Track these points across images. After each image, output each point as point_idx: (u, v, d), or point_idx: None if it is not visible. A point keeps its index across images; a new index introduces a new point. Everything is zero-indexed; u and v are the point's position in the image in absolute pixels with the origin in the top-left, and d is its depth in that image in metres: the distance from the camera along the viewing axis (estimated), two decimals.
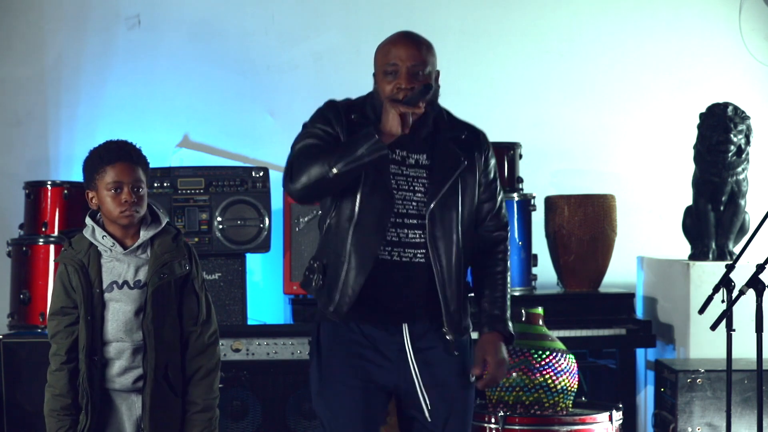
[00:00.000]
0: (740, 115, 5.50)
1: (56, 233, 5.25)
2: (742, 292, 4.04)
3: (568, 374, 4.48)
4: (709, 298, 4.10)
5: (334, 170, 3.17)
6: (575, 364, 4.54)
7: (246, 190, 5.39)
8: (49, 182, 5.35)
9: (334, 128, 3.30)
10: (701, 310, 4.11)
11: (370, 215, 3.27)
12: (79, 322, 3.42)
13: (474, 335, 3.42)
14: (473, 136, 3.43)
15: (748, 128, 5.52)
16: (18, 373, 5.03)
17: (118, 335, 3.43)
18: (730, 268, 4.07)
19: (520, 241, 5.58)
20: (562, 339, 4.66)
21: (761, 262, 4.11)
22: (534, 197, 5.70)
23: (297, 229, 5.48)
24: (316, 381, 3.36)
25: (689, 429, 5.01)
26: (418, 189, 3.33)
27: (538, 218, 5.77)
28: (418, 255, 3.31)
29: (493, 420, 4.41)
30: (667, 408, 5.16)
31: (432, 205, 3.30)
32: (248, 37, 6.12)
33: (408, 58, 3.28)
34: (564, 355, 4.51)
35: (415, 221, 3.31)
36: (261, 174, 5.41)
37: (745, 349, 4.52)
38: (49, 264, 5.22)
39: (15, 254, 5.29)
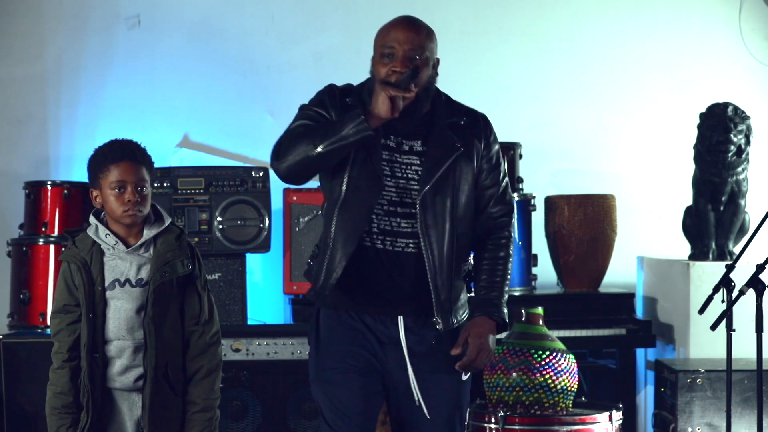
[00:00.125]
0: (740, 115, 5.50)
1: (56, 233, 5.26)
2: (742, 292, 4.04)
3: (568, 374, 4.47)
4: (709, 298, 4.10)
5: (318, 149, 3.15)
6: (575, 364, 4.54)
7: (246, 190, 5.40)
8: (49, 182, 5.35)
9: (328, 111, 3.29)
10: (701, 310, 4.10)
11: (356, 197, 3.25)
12: (81, 320, 3.43)
13: None
14: (473, 121, 3.39)
15: (748, 128, 5.52)
16: (18, 373, 5.03)
17: (119, 333, 3.43)
18: (730, 268, 4.07)
19: (520, 241, 5.58)
20: (562, 339, 4.66)
21: (761, 262, 4.10)
22: (534, 197, 5.70)
23: (297, 229, 5.48)
24: (314, 367, 3.35)
25: (689, 429, 5.01)
26: (411, 176, 3.29)
27: (538, 218, 5.77)
28: (410, 245, 3.28)
29: (493, 420, 4.40)
30: (667, 408, 5.16)
31: (423, 192, 3.26)
32: (248, 37, 6.12)
33: (405, 42, 3.25)
34: (564, 355, 4.50)
35: (407, 210, 3.28)
36: (261, 174, 5.41)
37: (745, 349, 4.51)
38: (49, 264, 5.22)
39: (15, 254, 5.29)
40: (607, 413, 4.45)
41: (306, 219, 5.45)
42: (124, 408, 3.48)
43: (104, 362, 3.44)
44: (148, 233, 3.46)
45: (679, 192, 5.97)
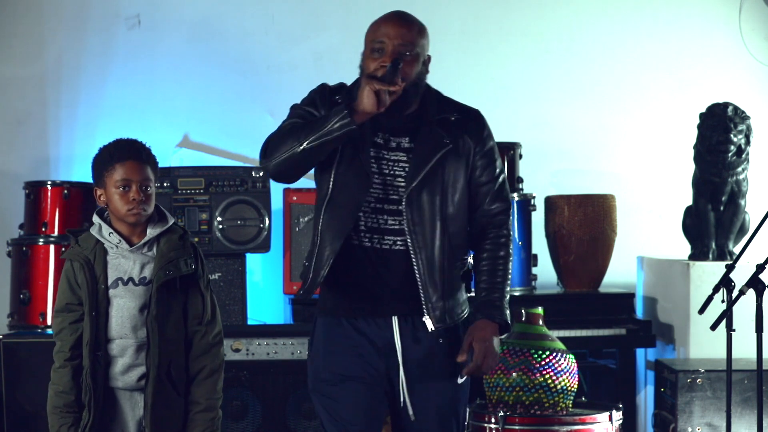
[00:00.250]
0: (740, 115, 5.50)
1: (56, 233, 5.26)
2: (742, 292, 4.04)
3: (568, 374, 4.47)
4: (709, 298, 4.10)
5: (303, 146, 3.13)
6: (575, 364, 4.54)
7: (246, 190, 5.40)
8: (49, 182, 5.35)
9: (318, 110, 3.25)
10: (701, 310, 4.10)
11: (343, 194, 3.22)
12: (84, 318, 3.43)
13: None
14: (464, 117, 3.33)
15: (748, 128, 5.52)
16: (18, 373, 5.03)
17: (122, 332, 3.44)
18: (730, 268, 4.07)
19: (520, 241, 5.58)
20: (562, 339, 4.65)
21: (761, 262, 4.10)
22: (534, 197, 5.70)
23: (297, 229, 5.48)
24: (311, 378, 3.32)
25: (689, 429, 5.01)
26: (398, 173, 3.25)
27: (538, 218, 5.77)
28: (398, 242, 3.24)
29: (493, 420, 4.40)
30: (667, 408, 5.16)
31: (410, 189, 3.22)
32: (248, 37, 6.12)
33: (396, 37, 3.21)
34: (564, 355, 4.50)
35: (394, 207, 3.24)
36: (261, 174, 5.41)
37: (745, 349, 4.51)
38: (49, 264, 5.22)
39: (15, 254, 5.29)
40: (607, 413, 4.44)
41: (306, 219, 5.45)
42: (126, 407, 3.48)
43: (106, 361, 3.44)
44: (151, 232, 3.46)
45: (679, 192, 5.97)
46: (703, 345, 5.29)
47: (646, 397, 5.82)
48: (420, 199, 3.23)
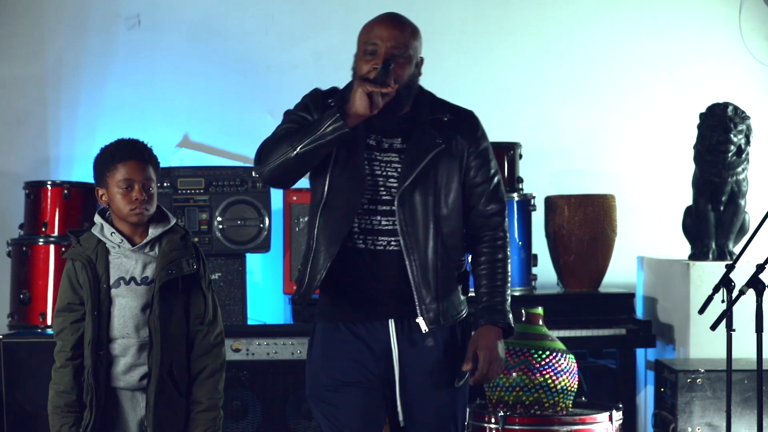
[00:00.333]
0: (740, 115, 5.50)
1: (56, 233, 5.26)
2: (742, 292, 4.04)
3: (568, 374, 4.48)
4: (709, 298, 4.10)
5: (296, 150, 3.12)
6: (575, 364, 4.54)
7: (246, 190, 5.40)
8: (49, 182, 5.35)
9: (311, 114, 3.25)
10: (701, 310, 4.10)
11: (339, 198, 3.21)
12: (85, 318, 3.43)
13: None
14: (457, 117, 3.31)
15: (748, 128, 5.52)
16: (18, 373, 5.03)
17: (124, 331, 3.44)
18: (730, 268, 4.07)
19: (520, 241, 5.58)
20: (562, 339, 4.66)
21: (761, 262, 4.11)
22: (534, 197, 5.70)
23: (297, 229, 5.48)
24: (309, 384, 3.30)
25: (689, 429, 5.01)
26: (391, 174, 3.23)
27: (538, 218, 5.77)
28: (392, 243, 3.22)
29: (493, 420, 4.41)
30: (667, 408, 5.16)
31: (402, 189, 3.20)
32: (248, 37, 6.13)
33: (389, 39, 3.20)
34: (564, 355, 4.51)
35: (387, 207, 3.22)
36: None
37: (745, 349, 4.51)
38: (49, 264, 5.23)
39: (15, 254, 5.29)
40: (607, 413, 4.45)
41: (306, 219, 5.45)
42: (127, 407, 3.48)
43: (108, 361, 3.44)
44: (153, 232, 3.47)
45: (679, 192, 5.97)
46: (703, 345, 5.29)
47: (646, 397, 5.82)
48: (412, 199, 3.21)
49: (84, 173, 5.60)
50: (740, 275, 4.09)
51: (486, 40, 6.27)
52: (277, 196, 5.51)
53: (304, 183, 3.78)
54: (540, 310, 4.62)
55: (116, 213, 3.46)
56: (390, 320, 3.24)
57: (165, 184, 5.30)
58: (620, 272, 5.99)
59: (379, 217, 3.23)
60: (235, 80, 6.09)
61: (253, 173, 3.29)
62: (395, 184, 3.22)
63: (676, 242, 5.92)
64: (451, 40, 6.16)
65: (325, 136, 3.10)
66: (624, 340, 5.46)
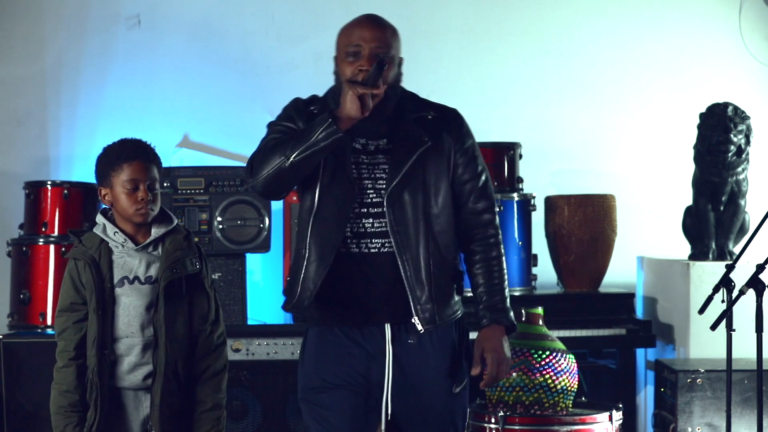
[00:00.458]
0: (740, 115, 5.50)
1: (56, 233, 5.26)
2: (742, 292, 4.04)
3: (568, 374, 4.48)
4: (709, 298, 4.10)
5: (290, 159, 3.08)
6: (575, 364, 4.54)
7: (246, 190, 5.40)
8: (49, 182, 5.35)
9: (296, 123, 3.22)
10: (701, 310, 4.10)
11: (330, 206, 3.18)
12: (88, 318, 3.43)
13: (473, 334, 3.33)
14: (441, 115, 3.29)
15: (748, 128, 5.52)
16: (18, 373, 5.04)
17: (128, 331, 3.44)
18: (730, 268, 4.07)
19: (520, 241, 5.58)
20: (562, 339, 4.66)
21: (761, 262, 4.11)
22: (534, 197, 5.70)
23: (297, 229, 5.48)
24: (301, 388, 3.28)
25: (689, 429, 5.01)
26: (379, 176, 3.21)
27: (538, 218, 5.77)
28: (386, 245, 3.19)
29: (493, 420, 4.41)
30: (667, 408, 5.16)
31: (390, 190, 3.17)
32: (248, 37, 6.13)
33: (372, 39, 3.19)
34: (564, 355, 4.51)
35: (377, 210, 3.20)
36: None
37: (745, 349, 4.51)
38: (49, 264, 5.23)
39: (15, 254, 5.29)
40: (607, 413, 4.45)
41: None
42: (130, 407, 3.48)
43: (112, 361, 3.44)
44: (156, 231, 3.48)
45: (679, 192, 5.97)
46: (703, 345, 5.29)
47: (646, 397, 5.82)
48: (402, 199, 3.19)
49: (84, 173, 5.61)
50: (740, 275, 4.09)
51: (486, 40, 6.27)
52: None
53: None
54: (540, 310, 4.62)
55: (120, 213, 3.46)
56: (386, 325, 3.21)
57: (165, 184, 5.30)
58: (620, 272, 5.98)
59: (371, 220, 3.20)
60: (235, 80, 6.09)
61: (248, 186, 3.24)
62: (384, 186, 3.20)
63: (676, 242, 5.92)
64: (451, 40, 6.16)
65: (318, 143, 3.08)
66: (624, 340, 5.46)
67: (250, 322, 5.46)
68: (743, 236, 5.60)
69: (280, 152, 3.11)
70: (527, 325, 4.55)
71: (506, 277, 3.31)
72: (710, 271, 5.34)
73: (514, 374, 4.44)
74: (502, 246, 3.32)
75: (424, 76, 5.90)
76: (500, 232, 3.33)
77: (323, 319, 3.25)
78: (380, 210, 3.20)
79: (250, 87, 6.07)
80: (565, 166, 6.30)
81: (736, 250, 5.57)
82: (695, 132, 5.61)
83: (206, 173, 5.42)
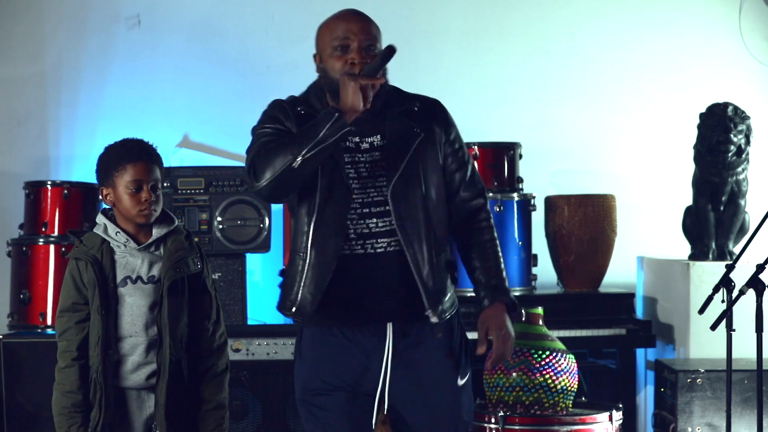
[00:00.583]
0: (740, 115, 5.50)
1: (56, 233, 5.26)
2: (742, 292, 4.04)
3: (568, 374, 4.48)
4: (709, 298, 4.10)
5: (299, 158, 3.02)
6: (575, 364, 4.55)
7: (246, 190, 5.40)
8: (49, 182, 5.35)
9: (284, 124, 3.18)
10: (701, 310, 4.10)
11: (330, 210, 3.14)
12: (90, 318, 3.43)
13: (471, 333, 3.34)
14: (427, 106, 3.28)
15: (748, 128, 5.52)
16: (18, 373, 5.03)
17: (132, 330, 3.44)
18: (730, 268, 4.07)
19: (520, 241, 5.58)
20: (562, 339, 4.66)
21: (761, 262, 4.11)
22: (534, 197, 5.70)
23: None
24: (299, 389, 3.26)
25: (689, 429, 5.01)
26: (378, 173, 3.19)
27: (538, 218, 5.77)
28: (392, 244, 3.17)
29: (493, 420, 4.41)
30: (667, 408, 5.16)
31: (393, 184, 3.16)
32: (248, 37, 6.13)
33: (360, 32, 3.17)
34: (564, 355, 4.51)
35: (381, 208, 3.17)
36: None
37: (745, 349, 4.52)
38: (49, 264, 5.23)
39: (15, 254, 5.29)
40: (607, 413, 4.45)
41: None
42: (133, 407, 3.49)
43: (116, 359, 3.44)
44: (157, 232, 3.48)
45: (679, 192, 5.97)
46: (703, 345, 5.29)
47: (646, 397, 5.82)
48: (404, 193, 3.17)
49: (84, 173, 5.61)
50: (740, 275, 4.09)
51: (486, 40, 6.27)
52: None
53: None
54: (540, 310, 4.63)
55: (123, 213, 3.46)
56: (388, 324, 3.20)
57: (165, 184, 5.30)
58: (620, 272, 5.98)
59: (375, 220, 3.18)
60: (235, 80, 6.09)
61: (252, 191, 3.18)
62: (384, 183, 3.18)
63: (676, 242, 5.92)
64: (451, 40, 6.16)
65: (327, 138, 3.03)
66: (624, 340, 5.46)
67: (250, 322, 5.46)
68: (743, 236, 5.60)
69: (285, 152, 3.05)
70: (527, 325, 4.56)
71: (502, 259, 3.31)
72: (710, 271, 5.34)
73: (514, 374, 4.45)
74: (495, 230, 3.33)
75: (424, 76, 5.90)
76: (492, 216, 3.34)
77: (322, 319, 3.23)
78: (383, 209, 3.18)
79: (250, 87, 6.07)
80: (565, 166, 6.30)
81: (736, 250, 5.57)
82: (695, 132, 5.61)
83: (206, 173, 5.42)
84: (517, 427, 4.39)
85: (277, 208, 5.55)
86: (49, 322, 5.15)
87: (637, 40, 6.34)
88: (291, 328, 5.21)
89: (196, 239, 3.65)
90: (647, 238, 6.23)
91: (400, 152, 3.18)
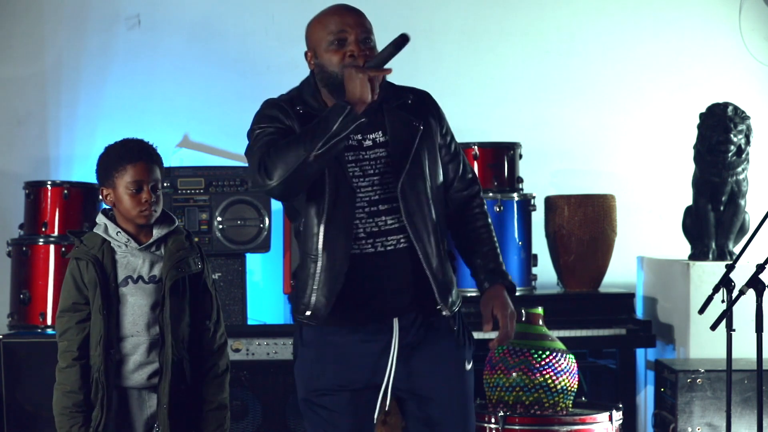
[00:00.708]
0: (740, 115, 5.50)
1: (56, 233, 5.26)
2: (742, 292, 4.04)
3: (568, 374, 4.48)
4: (709, 298, 4.10)
5: (314, 152, 2.98)
6: (575, 364, 4.54)
7: (246, 190, 5.40)
8: (49, 182, 5.35)
9: (285, 123, 3.16)
10: (701, 310, 4.10)
11: (339, 210, 3.12)
12: (92, 317, 3.43)
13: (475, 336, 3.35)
14: (420, 99, 3.27)
15: (748, 128, 5.52)
16: (18, 373, 5.04)
17: (134, 330, 3.44)
18: (730, 268, 4.07)
19: (520, 241, 5.58)
20: (562, 339, 4.66)
21: (761, 262, 4.11)
22: (534, 197, 5.70)
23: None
24: (304, 388, 3.23)
25: (689, 429, 5.01)
26: (384, 170, 3.17)
27: (538, 218, 5.77)
28: (401, 240, 3.16)
29: (493, 420, 4.41)
30: (667, 408, 5.16)
31: (401, 181, 3.15)
32: (248, 37, 6.13)
33: (357, 25, 3.15)
34: (564, 355, 4.51)
35: (388, 205, 3.16)
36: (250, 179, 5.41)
37: (745, 349, 4.52)
38: (49, 264, 5.23)
39: (15, 254, 5.29)
40: (607, 413, 4.45)
41: None
42: (134, 407, 3.48)
43: (117, 359, 3.44)
44: (158, 232, 3.48)
45: (679, 192, 5.97)
46: (703, 345, 5.29)
47: (646, 397, 5.82)
48: (412, 188, 3.16)
49: (84, 173, 5.61)
50: (740, 275, 4.09)
51: (486, 40, 6.27)
52: None
53: None
54: (540, 310, 4.62)
55: (124, 214, 3.47)
56: (395, 319, 3.18)
57: (165, 184, 5.30)
58: (620, 272, 5.98)
59: (384, 217, 3.17)
60: (235, 80, 6.09)
61: (262, 190, 3.11)
62: (391, 179, 3.17)
63: (676, 242, 5.92)
64: (451, 40, 6.16)
65: (341, 132, 2.99)
66: (624, 340, 5.46)
67: (250, 322, 5.46)
68: (743, 236, 5.60)
69: (297, 149, 3.01)
70: (527, 325, 4.55)
71: (497, 243, 3.33)
72: (710, 271, 5.34)
73: (514, 374, 4.44)
74: (489, 216, 3.35)
75: (424, 76, 5.88)
76: (485, 203, 3.37)
77: (327, 317, 3.19)
78: (391, 205, 3.17)
79: (250, 87, 6.07)
80: (565, 166, 6.31)
81: (736, 250, 5.57)
82: (695, 132, 5.61)
83: (206, 173, 5.42)
84: (517, 427, 4.39)
85: (277, 208, 5.55)
86: (49, 322, 5.15)
87: (637, 40, 6.34)
88: (291, 328, 5.18)
89: (196, 239, 3.66)
90: (647, 238, 6.23)
91: (405, 148, 3.17)
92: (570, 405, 4.53)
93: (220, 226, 5.37)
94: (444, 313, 3.20)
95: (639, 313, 5.81)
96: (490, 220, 3.35)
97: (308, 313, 3.17)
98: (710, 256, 5.57)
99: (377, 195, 3.17)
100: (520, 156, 5.75)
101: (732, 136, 5.46)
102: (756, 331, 4.02)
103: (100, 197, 3.52)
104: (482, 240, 3.31)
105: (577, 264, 5.68)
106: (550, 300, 5.55)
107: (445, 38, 6.15)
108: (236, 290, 5.39)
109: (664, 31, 6.35)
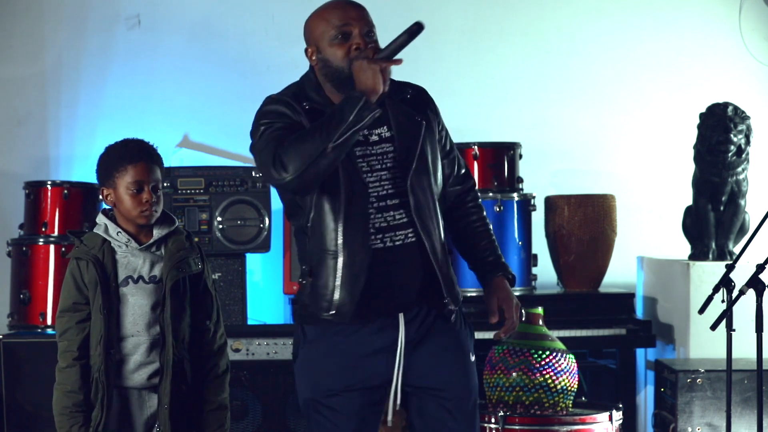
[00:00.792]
0: (740, 115, 5.50)
1: (56, 233, 5.26)
2: (742, 292, 4.04)
3: (568, 374, 4.48)
4: (709, 298, 4.10)
5: (332, 144, 2.96)
6: (575, 364, 4.54)
7: (246, 190, 5.40)
8: (49, 182, 5.35)
9: (292, 118, 3.14)
10: (701, 310, 4.10)
11: (354, 206, 3.11)
12: (92, 317, 3.42)
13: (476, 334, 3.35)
14: (418, 93, 3.28)
15: (748, 128, 5.52)
16: (18, 373, 5.04)
17: (134, 330, 3.44)
18: (730, 268, 4.07)
19: (520, 241, 5.58)
20: (562, 339, 4.66)
21: (761, 262, 4.11)
22: (534, 197, 5.70)
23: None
24: (309, 389, 3.21)
25: (689, 429, 5.01)
26: (392, 165, 3.16)
27: (538, 218, 5.77)
28: (409, 236, 3.15)
29: (493, 420, 4.41)
30: (667, 408, 5.16)
31: (411, 176, 3.14)
32: (248, 37, 6.13)
33: (360, 19, 3.14)
34: (564, 355, 4.51)
35: (397, 200, 3.15)
36: (261, 174, 5.41)
37: (745, 349, 4.52)
38: (49, 264, 5.23)
39: (15, 254, 5.29)
40: (607, 413, 4.45)
41: None
42: (134, 407, 3.48)
43: (117, 359, 3.44)
44: (158, 232, 3.48)
45: (679, 192, 5.97)
46: (703, 345, 5.29)
47: (646, 397, 5.82)
48: (419, 184, 3.17)
49: (84, 173, 5.60)
50: (740, 275, 4.09)
51: (486, 40, 6.27)
52: (277, 196, 5.50)
53: None
54: (540, 310, 4.62)
55: (124, 214, 3.47)
56: (400, 314, 3.17)
57: (165, 184, 5.30)
58: (620, 272, 5.98)
59: (392, 212, 3.15)
60: (235, 80, 6.09)
61: (277, 184, 3.11)
62: (399, 174, 3.16)
63: (676, 242, 5.92)
64: (451, 40, 6.16)
65: (357, 122, 2.97)
66: (624, 340, 5.46)
67: (250, 322, 5.46)
68: (743, 236, 5.60)
69: (314, 141, 2.98)
70: (527, 325, 4.55)
71: (494, 236, 3.36)
72: (710, 271, 5.34)
73: (514, 374, 4.44)
74: (483, 210, 3.38)
75: (424, 76, 5.83)
76: (479, 196, 3.39)
77: (349, 316, 3.15)
78: (399, 201, 3.16)
79: (250, 87, 6.06)
80: (565, 166, 6.31)
81: (736, 250, 5.57)
82: (695, 132, 5.61)
83: (206, 173, 5.42)
84: (517, 427, 4.39)
85: (277, 208, 5.55)
86: (49, 322, 5.15)
87: (637, 40, 6.33)
88: (291, 328, 5.16)
89: (196, 239, 3.66)
90: (647, 238, 6.23)
91: (411, 144, 3.17)
92: (570, 405, 4.53)
93: (220, 226, 5.37)
94: (450, 306, 3.20)
95: (639, 313, 5.81)
96: (485, 214, 3.38)
97: (332, 312, 3.13)
98: (710, 256, 5.57)
99: (385, 190, 3.16)
100: (520, 156, 5.75)
101: (732, 136, 5.46)
102: (756, 331, 4.02)
103: (101, 197, 3.52)
104: (479, 233, 3.34)
105: (577, 264, 5.68)
106: (550, 300, 5.55)
107: (445, 38, 6.15)
108: (236, 290, 5.39)
109: (664, 31, 6.35)
